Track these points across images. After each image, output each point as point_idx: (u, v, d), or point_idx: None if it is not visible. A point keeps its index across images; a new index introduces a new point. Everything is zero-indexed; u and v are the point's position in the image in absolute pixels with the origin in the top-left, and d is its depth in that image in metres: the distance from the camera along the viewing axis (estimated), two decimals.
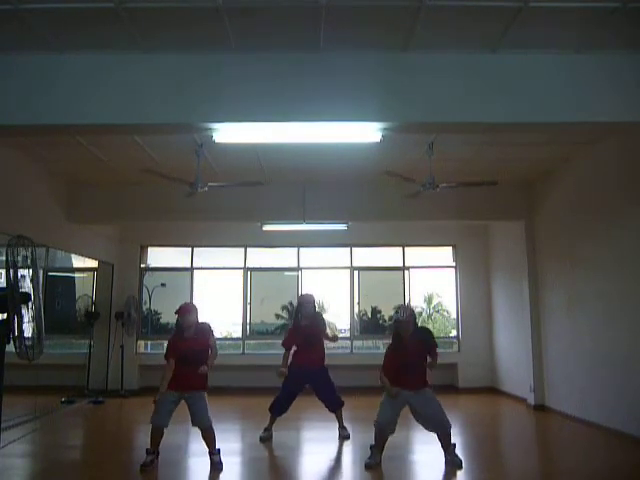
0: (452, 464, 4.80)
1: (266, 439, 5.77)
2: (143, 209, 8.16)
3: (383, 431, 4.86)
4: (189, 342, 4.85)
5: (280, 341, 6.20)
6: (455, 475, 4.71)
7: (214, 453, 4.81)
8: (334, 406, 5.89)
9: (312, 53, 4.17)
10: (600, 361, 6.23)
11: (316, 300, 6.16)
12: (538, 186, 7.92)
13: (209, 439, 4.82)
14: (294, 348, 6.00)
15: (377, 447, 4.87)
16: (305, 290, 9.95)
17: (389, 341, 5.13)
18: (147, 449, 4.75)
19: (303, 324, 5.95)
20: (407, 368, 4.85)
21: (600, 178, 6.36)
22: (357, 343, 9.87)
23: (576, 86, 4.18)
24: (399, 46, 4.12)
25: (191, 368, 4.75)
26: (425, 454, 5.45)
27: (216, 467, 4.74)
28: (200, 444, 4.88)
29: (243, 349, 9.79)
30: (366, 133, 4.55)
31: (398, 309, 5.06)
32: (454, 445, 4.89)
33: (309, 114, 4.16)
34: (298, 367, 5.87)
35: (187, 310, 4.92)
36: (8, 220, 5.95)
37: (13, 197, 6.44)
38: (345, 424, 5.96)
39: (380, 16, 3.75)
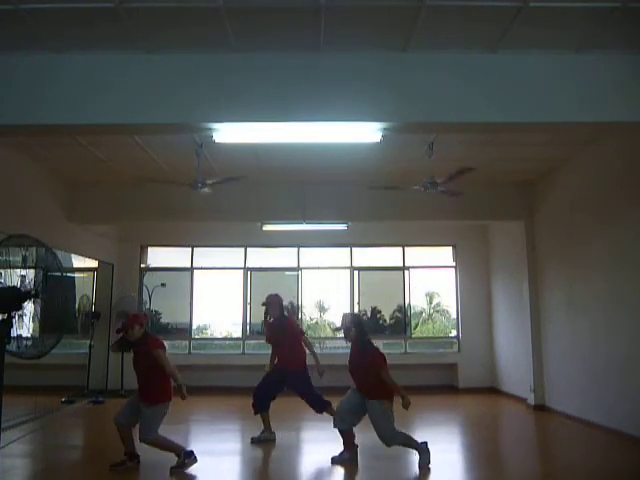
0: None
1: (266, 439, 5.68)
2: (143, 209, 8.15)
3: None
4: (135, 349, 4.79)
5: None
6: (452, 475, 4.71)
7: (179, 455, 4.58)
8: (319, 407, 5.78)
9: (312, 53, 4.17)
10: (600, 361, 6.23)
11: (285, 302, 6.18)
12: (538, 186, 7.92)
13: (160, 448, 4.59)
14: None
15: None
16: (305, 289, 10.02)
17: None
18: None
19: (271, 322, 5.96)
20: (352, 373, 4.91)
21: (600, 178, 6.36)
22: None
23: (576, 86, 4.18)
24: (399, 46, 4.12)
25: (139, 378, 4.66)
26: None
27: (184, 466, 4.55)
28: (198, 444, 4.87)
29: (243, 349, 9.80)
30: (366, 133, 4.55)
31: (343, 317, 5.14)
32: (425, 443, 4.78)
33: (309, 114, 4.16)
34: (276, 367, 5.88)
35: (135, 320, 4.79)
36: (8, 220, 5.94)
37: (13, 197, 6.43)
38: None
39: (380, 16, 3.75)
